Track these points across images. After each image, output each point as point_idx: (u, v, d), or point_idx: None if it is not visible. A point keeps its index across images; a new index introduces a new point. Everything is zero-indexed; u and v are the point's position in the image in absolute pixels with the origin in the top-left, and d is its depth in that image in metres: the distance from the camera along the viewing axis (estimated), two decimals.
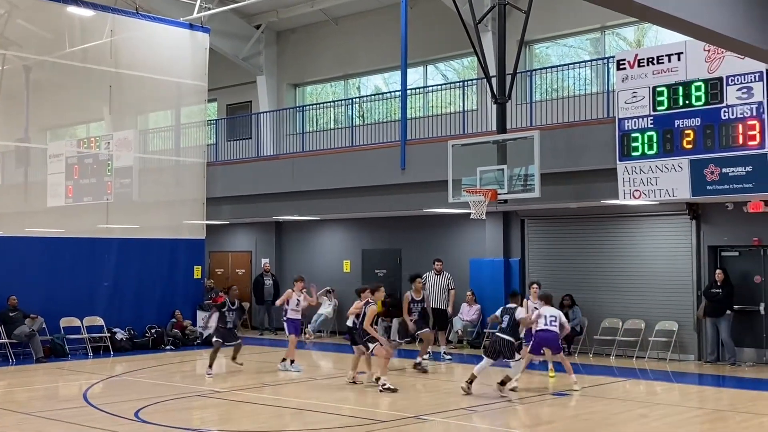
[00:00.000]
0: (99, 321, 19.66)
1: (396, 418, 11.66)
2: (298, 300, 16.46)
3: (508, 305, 13.59)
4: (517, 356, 13.33)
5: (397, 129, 19.47)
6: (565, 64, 19.03)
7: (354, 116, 22.90)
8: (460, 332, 19.80)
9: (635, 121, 15.36)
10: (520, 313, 13.36)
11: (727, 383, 15.11)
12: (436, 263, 18.86)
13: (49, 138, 22.17)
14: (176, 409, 12.72)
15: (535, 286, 16.03)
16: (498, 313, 13.68)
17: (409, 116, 19.44)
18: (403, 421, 11.51)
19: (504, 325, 13.30)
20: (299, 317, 16.67)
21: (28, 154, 20.96)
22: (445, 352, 17.80)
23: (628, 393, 14.13)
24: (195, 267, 22.05)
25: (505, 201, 16.23)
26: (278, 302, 16.87)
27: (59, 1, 19.77)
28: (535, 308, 14.81)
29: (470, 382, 13.34)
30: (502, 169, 15.82)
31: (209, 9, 22.56)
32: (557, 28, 20.04)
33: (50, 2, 19.77)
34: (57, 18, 20.12)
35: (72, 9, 20.02)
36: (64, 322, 19.11)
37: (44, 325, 18.56)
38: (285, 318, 16.64)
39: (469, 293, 19.79)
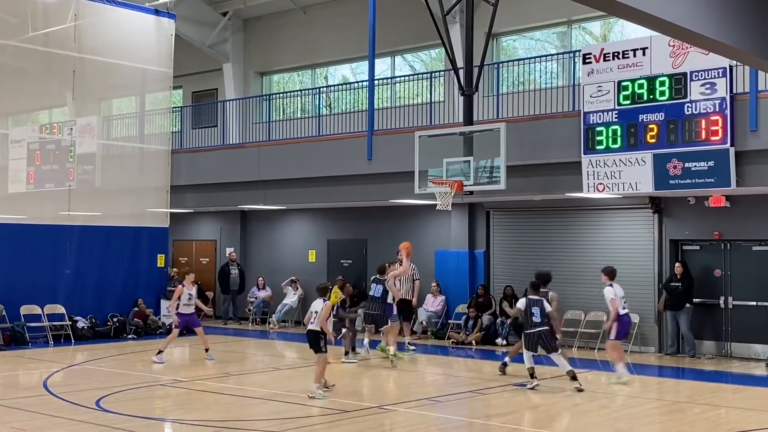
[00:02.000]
0: (60, 309, 19.42)
1: (360, 408, 11.68)
2: (190, 294, 15.99)
3: (530, 296, 13.42)
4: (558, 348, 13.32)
5: (364, 119, 19.43)
6: (531, 57, 19.10)
7: (321, 106, 22.82)
8: (424, 323, 19.86)
9: (600, 115, 15.48)
10: (548, 305, 13.33)
11: (687, 375, 15.32)
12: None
13: (10, 123, 21.80)
14: (138, 398, 12.62)
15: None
16: (521, 306, 13.46)
17: (376, 107, 19.41)
18: (367, 411, 11.54)
19: (537, 319, 13.15)
20: (192, 311, 16.07)
21: None
22: (409, 343, 17.83)
23: (590, 384, 14.23)
24: (158, 255, 21.85)
25: (471, 192, 16.29)
26: (172, 302, 16.14)
27: None
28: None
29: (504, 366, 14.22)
30: (469, 161, 15.89)
31: None
32: (524, 21, 20.12)
33: None
34: (20, 1, 19.77)
35: None
36: (25, 309, 18.86)
37: (4, 313, 18.32)
38: (177, 312, 15.99)
39: (434, 284, 19.84)
